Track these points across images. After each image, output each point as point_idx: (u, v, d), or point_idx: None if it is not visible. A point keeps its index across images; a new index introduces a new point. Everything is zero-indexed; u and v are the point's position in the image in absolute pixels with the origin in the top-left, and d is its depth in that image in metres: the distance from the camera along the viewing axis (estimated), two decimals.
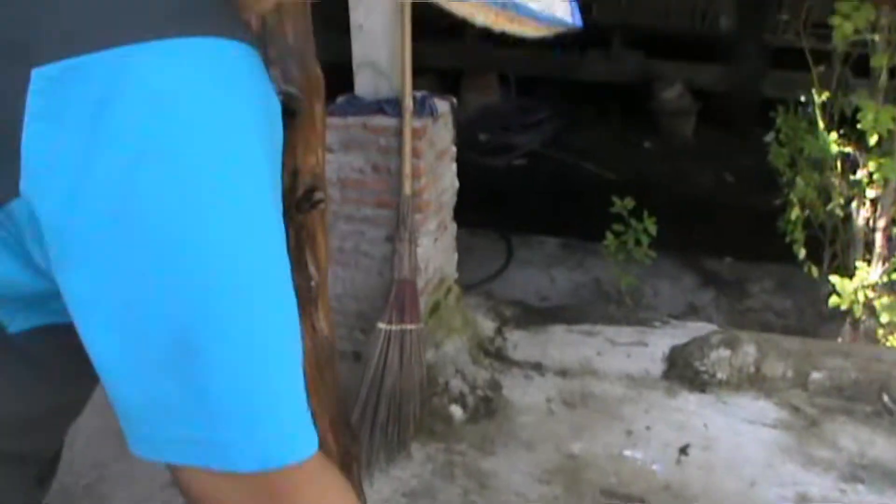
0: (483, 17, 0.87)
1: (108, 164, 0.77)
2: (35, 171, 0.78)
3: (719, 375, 4.19)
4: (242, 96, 0.82)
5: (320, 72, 2.03)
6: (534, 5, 0.90)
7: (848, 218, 4.88)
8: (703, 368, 4.21)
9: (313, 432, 0.89)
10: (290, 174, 2.09)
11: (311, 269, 2.11)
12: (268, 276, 0.85)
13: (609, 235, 5.13)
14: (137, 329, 0.81)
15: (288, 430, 0.87)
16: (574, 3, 0.95)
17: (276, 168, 0.88)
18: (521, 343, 4.42)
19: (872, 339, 4.75)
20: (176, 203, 0.79)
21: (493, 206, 6.54)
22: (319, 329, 2.14)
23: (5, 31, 0.79)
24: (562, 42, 8.47)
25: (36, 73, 0.77)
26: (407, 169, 3.62)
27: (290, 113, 2.00)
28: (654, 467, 3.68)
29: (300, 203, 2.16)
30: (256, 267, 0.84)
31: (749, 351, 4.23)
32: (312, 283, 2.11)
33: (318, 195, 2.18)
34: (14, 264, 0.85)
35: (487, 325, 4.48)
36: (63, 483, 3.41)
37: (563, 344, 4.43)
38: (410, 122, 3.62)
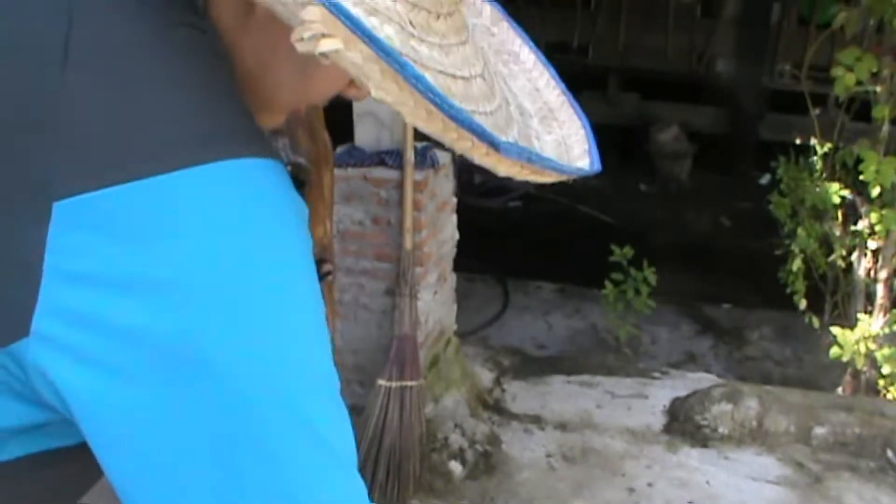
0: (506, 168, 0.84)
1: (162, 314, 0.72)
2: (55, 316, 0.73)
3: (721, 430, 4.14)
4: (288, 217, 0.80)
5: (329, 139, 1.98)
6: (552, 153, 0.90)
7: (849, 268, 4.84)
8: (704, 423, 4.16)
9: None
10: None
11: None
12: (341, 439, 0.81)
13: (608, 285, 5.08)
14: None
15: None
16: (594, 144, 0.95)
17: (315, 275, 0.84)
18: (519, 395, 4.37)
19: (873, 390, 4.71)
20: (250, 357, 0.75)
21: (489, 249, 6.49)
22: None
23: (20, 165, 0.74)
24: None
25: (57, 207, 0.72)
26: (408, 223, 3.57)
27: (298, 184, 1.95)
28: None
29: None
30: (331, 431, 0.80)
31: (751, 405, 4.18)
32: None
33: (327, 267, 2.12)
34: (16, 404, 0.80)
35: (486, 376, 4.43)
36: None
37: (562, 396, 4.38)
38: (412, 175, 3.58)
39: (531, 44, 1.06)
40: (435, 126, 0.76)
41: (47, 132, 0.73)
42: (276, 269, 0.77)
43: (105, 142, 0.74)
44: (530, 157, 0.85)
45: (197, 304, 0.73)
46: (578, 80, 8.40)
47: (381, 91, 0.71)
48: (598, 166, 0.94)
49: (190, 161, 0.74)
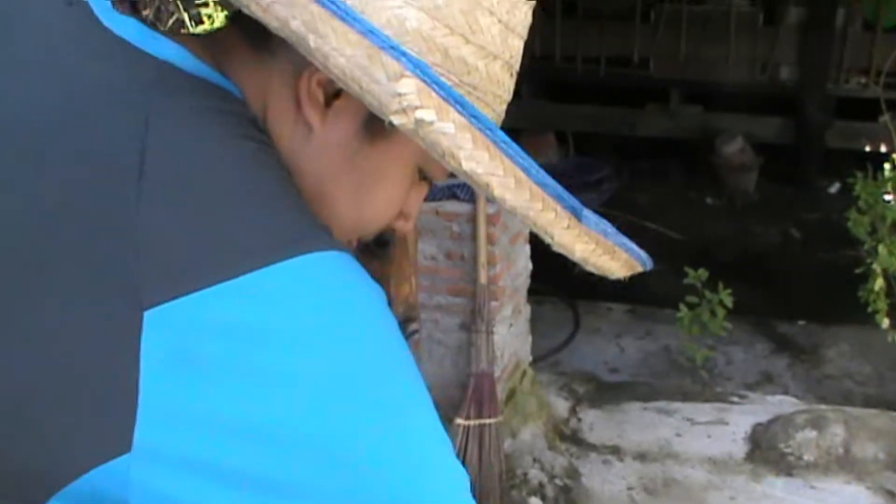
0: (581, 248, 0.87)
1: (293, 407, 0.72)
2: (162, 427, 0.71)
3: (806, 457, 4.04)
4: (378, 295, 0.81)
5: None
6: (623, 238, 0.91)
7: None
8: (788, 450, 4.07)
9: None
10: None
11: None
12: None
13: (682, 308, 4.98)
14: None
15: None
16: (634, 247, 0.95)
17: None
18: (596, 423, 4.30)
19: None
20: (383, 437, 0.75)
21: (557, 270, 6.41)
22: None
23: (104, 272, 0.73)
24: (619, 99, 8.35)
25: (148, 316, 0.71)
26: (482, 257, 3.52)
27: (382, 243, 1.89)
28: None
29: None
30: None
31: (837, 431, 4.08)
32: None
33: (413, 326, 2.06)
34: None
35: (561, 405, 4.37)
36: None
37: (640, 424, 4.30)
38: (485, 208, 3.53)
39: None
40: (522, 196, 0.79)
41: (128, 241, 0.73)
42: (382, 351, 0.78)
43: (187, 250, 0.74)
44: (606, 231, 0.87)
45: (319, 396, 0.73)
46: (640, 93, 8.38)
47: (471, 162, 0.74)
48: (649, 263, 0.95)
49: (277, 258, 0.74)
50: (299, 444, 0.72)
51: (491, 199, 0.81)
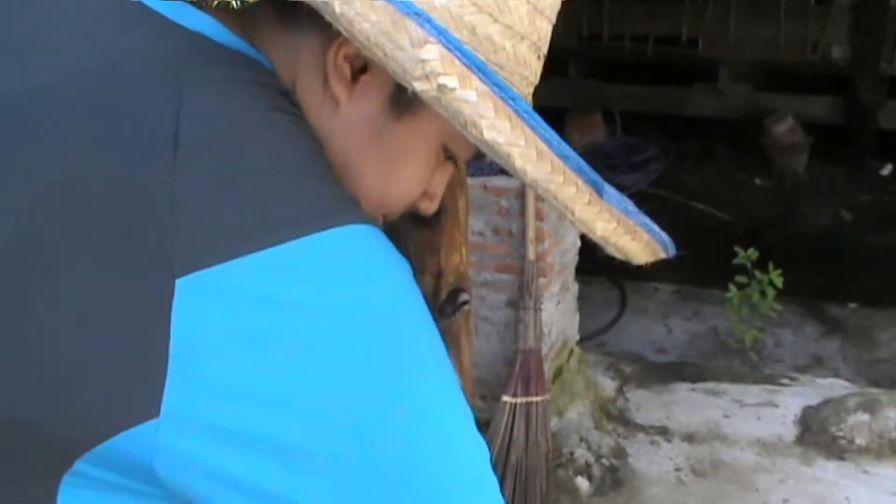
0: (602, 225, 0.86)
1: (324, 378, 0.72)
2: (191, 394, 0.71)
3: (858, 441, 3.96)
4: (406, 269, 0.81)
5: (463, 162, 1.89)
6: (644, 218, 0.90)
7: None
8: (840, 434, 3.99)
9: None
10: (434, 276, 1.93)
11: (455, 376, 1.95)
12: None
13: (732, 288, 4.90)
14: None
15: None
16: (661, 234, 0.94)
17: None
18: (643, 404, 4.24)
19: None
20: (411, 410, 0.75)
21: (603, 250, 6.34)
22: None
23: (138, 242, 0.73)
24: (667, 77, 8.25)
25: (180, 284, 0.71)
26: (531, 233, 3.48)
27: (434, 212, 1.84)
28: None
29: (443, 307, 2.00)
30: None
31: (890, 415, 4.00)
32: None
33: (463, 296, 2.01)
34: (116, 497, 0.77)
35: (608, 385, 4.31)
36: None
37: (688, 405, 4.24)
38: None
39: None
40: (543, 168, 0.79)
41: (162, 210, 0.73)
42: (410, 324, 0.79)
43: (221, 220, 0.74)
44: (628, 210, 0.86)
45: (349, 366, 0.73)
46: (688, 73, 8.27)
47: (493, 131, 0.74)
48: (672, 249, 0.94)
49: (310, 229, 0.74)
50: (328, 414, 0.72)
51: (512, 173, 0.80)
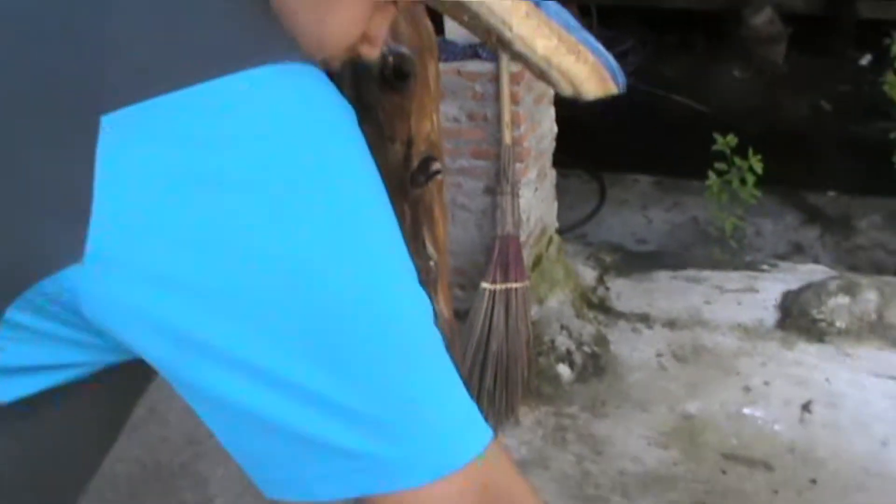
0: (544, 43, 0.84)
1: (247, 214, 0.72)
2: (116, 236, 0.71)
3: (838, 324, 3.94)
4: (346, 111, 0.80)
5: (431, 27, 1.81)
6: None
7: None
8: (820, 317, 3.97)
9: (482, 420, 0.84)
10: (404, 144, 1.87)
11: (430, 247, 1.91)
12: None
13: (711, 175, 4.85)
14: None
15: (464, 422, 0.82)
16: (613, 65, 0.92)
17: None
18: (624, 292, 4.21)
19: None
20: (340, 249, 0.75)
21: (582, 142, 6.27)
22: (439, 312, 1.94)
23: (64, 81, 0.73)
24: None
25: (106, 121, 0.70)
26: (506, 117, 3.40)
27: (402, 76, 1.78)
28: (776, 427, 3.47)
29: (415, 176, 1.94)
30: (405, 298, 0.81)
31: (870, 297, 3.98)
32: (431, 263, 1.91)
33: (435, 165, 1.96)
34: (57, 349, 0.78)
35: (588, 275, 4.28)
36: (159, 461, 3.30)
37: (668, 292, 4.22)
38: (507, 67, 3.39)
39: None
40: None
41: (91, 48, 0.73)
42: (343, 164, 0.78)
43: (150, 57, 0.73)
44: (569, 23, 0.85)
45: (274, 202, 0.72)
46: None
47: None
48: (622, 82, 0.93)
49: (240, 66, 0.73)
50: (250, 252, 0.72)
51: None
